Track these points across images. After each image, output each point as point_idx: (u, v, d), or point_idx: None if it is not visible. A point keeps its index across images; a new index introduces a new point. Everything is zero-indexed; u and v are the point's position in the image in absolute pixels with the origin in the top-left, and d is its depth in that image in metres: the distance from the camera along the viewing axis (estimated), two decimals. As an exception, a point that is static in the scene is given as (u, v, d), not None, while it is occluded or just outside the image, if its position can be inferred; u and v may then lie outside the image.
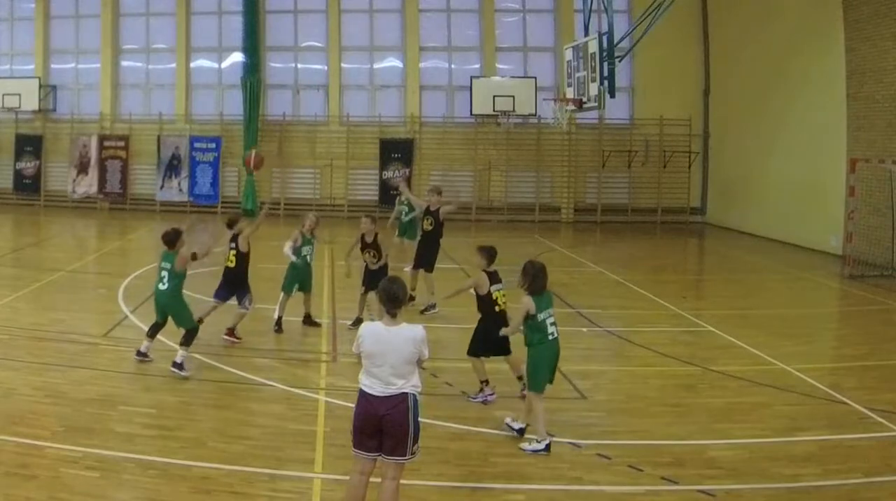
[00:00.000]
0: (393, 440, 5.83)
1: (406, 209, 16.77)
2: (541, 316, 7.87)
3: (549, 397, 9.16)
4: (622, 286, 16.35)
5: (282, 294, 12.03)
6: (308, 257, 12.08)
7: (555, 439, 8.04)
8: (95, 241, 23.97)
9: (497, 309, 9.01)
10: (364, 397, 5.89)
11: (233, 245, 11.26)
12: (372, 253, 11.89)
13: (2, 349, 10.50)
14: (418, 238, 14.61)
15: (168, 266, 9.94)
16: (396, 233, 16.89)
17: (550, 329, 7.94)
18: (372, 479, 5.97)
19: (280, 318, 11.96)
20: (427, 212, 13.70)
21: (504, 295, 9.10)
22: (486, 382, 9.12)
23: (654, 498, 6.89)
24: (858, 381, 10.19)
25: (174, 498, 6.56)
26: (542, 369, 7.92)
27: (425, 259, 13.47)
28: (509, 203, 28.31)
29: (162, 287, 9.98)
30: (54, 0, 29.81)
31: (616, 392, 9.66)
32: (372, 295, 11.08)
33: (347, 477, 6.12)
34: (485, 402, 9.07)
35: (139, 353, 10.13)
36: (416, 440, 5.89)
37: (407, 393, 5.86)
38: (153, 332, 10.23)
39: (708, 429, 8.43)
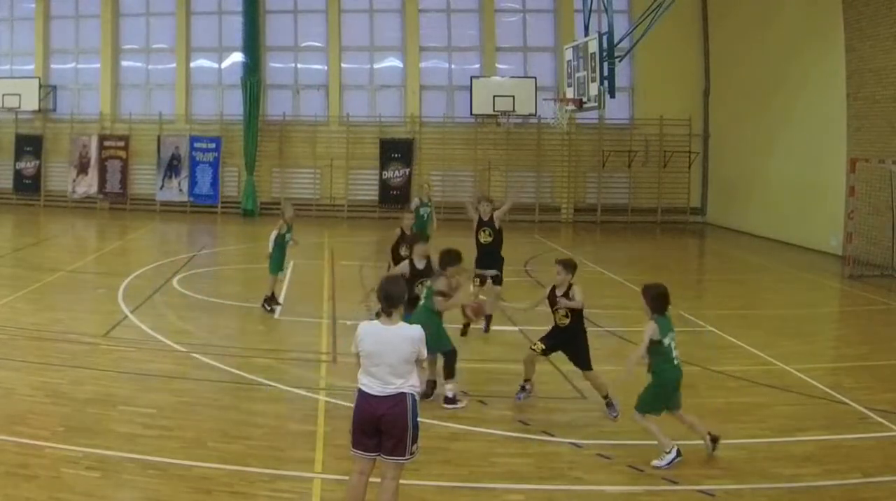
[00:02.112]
0: (392, 440, 5.81)
1: (429, 211, 17.40)
2: (665, 341, 7.43)
3: (550, 397, 9.19)
4: (622, 286, 16.34)
5: (270, 276, 13.21)
6: (290, 241, 13.38)
7: (555, 439, 8.05)
8: (95, 241, 23.93)
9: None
10: (363, 396, 5.87)
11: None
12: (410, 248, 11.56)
13: (2, 349, 10.48)
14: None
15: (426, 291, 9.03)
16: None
17: (674, 353, 7.50)
18: (372, 479, 5.97)
19: (273, 296, 13.17)
20: (481, 222, 12.65)
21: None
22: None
23: (654, 498, 6.88)
24: (858, 381, 10.17)
25: (174, 498, 6.55)
26: (664, 395, 7.50)
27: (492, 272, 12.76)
28: (509, 203, 28.27)
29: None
30: (54, 0, 29.81)
31: (616, 392, 9.64)
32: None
33: (347, 477, 6.12)
34: None
35: (442, 398, 8.85)
36: (415, 440, 5.87)
37: (406, 393, 5.84)
38: None
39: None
